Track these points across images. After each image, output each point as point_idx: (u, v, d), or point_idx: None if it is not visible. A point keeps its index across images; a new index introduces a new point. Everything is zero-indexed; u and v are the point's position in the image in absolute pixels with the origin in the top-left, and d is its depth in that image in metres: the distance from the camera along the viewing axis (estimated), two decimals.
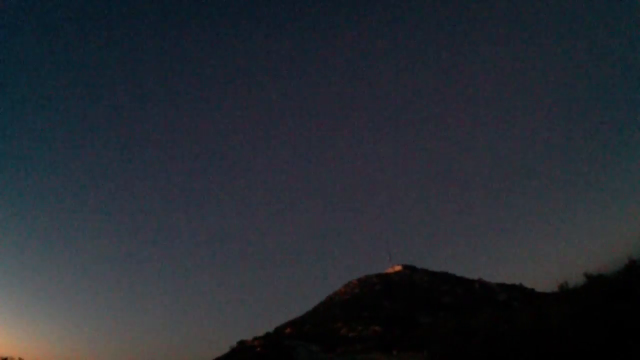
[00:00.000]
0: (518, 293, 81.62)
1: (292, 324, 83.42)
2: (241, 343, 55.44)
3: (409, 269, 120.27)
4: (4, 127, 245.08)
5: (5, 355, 19.39)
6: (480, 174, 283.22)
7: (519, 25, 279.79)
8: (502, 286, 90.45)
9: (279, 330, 77.08)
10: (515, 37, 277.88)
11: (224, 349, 51.95)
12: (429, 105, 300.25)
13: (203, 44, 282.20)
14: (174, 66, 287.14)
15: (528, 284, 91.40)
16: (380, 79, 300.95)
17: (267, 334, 67.52)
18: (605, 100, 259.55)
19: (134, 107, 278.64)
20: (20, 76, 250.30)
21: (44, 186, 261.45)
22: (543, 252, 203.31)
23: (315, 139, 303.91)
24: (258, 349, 41.46)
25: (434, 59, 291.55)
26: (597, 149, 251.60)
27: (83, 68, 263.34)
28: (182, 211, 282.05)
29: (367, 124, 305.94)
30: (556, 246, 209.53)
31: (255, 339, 56.48)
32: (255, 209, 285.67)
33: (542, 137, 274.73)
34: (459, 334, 17.94)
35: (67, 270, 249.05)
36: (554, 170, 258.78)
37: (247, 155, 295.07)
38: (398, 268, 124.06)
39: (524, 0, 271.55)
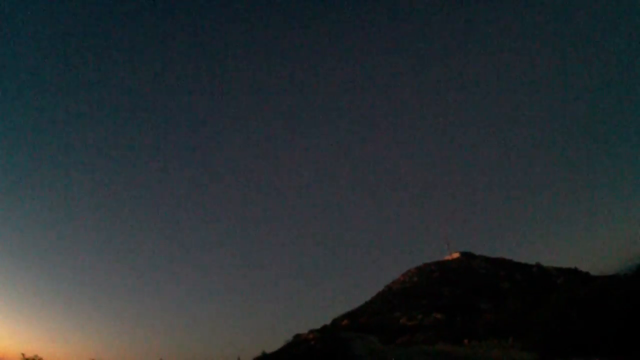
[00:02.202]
0: (574, 277, 78.50)
1: (349, 315, 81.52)
2: (297, 337, 54.37)
3: (467, 256, 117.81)
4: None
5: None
6: (534, 159, 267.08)
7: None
8: (559, 270, 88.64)
9: (336, 322, 75.39)
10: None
11: (281, 343, 50.98)
12: (482, 95, 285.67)
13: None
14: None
15: (582, 267, 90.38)
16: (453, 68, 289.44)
17: (324, 327, 66.05)
18: None
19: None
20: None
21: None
22: (597, 235, 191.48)
23: (373, 129, 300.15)
24: (312, 342, 39.72)
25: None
26: None
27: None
28: (242, 204, 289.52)
29: (429, 116, 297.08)
30: (611, 230, 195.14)
31: (311, 332, 55.11)
32: (312, 201, 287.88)
33: (597, 122, 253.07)
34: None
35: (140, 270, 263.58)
36: (608, 155, 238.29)
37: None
38: (456, 255, 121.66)
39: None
